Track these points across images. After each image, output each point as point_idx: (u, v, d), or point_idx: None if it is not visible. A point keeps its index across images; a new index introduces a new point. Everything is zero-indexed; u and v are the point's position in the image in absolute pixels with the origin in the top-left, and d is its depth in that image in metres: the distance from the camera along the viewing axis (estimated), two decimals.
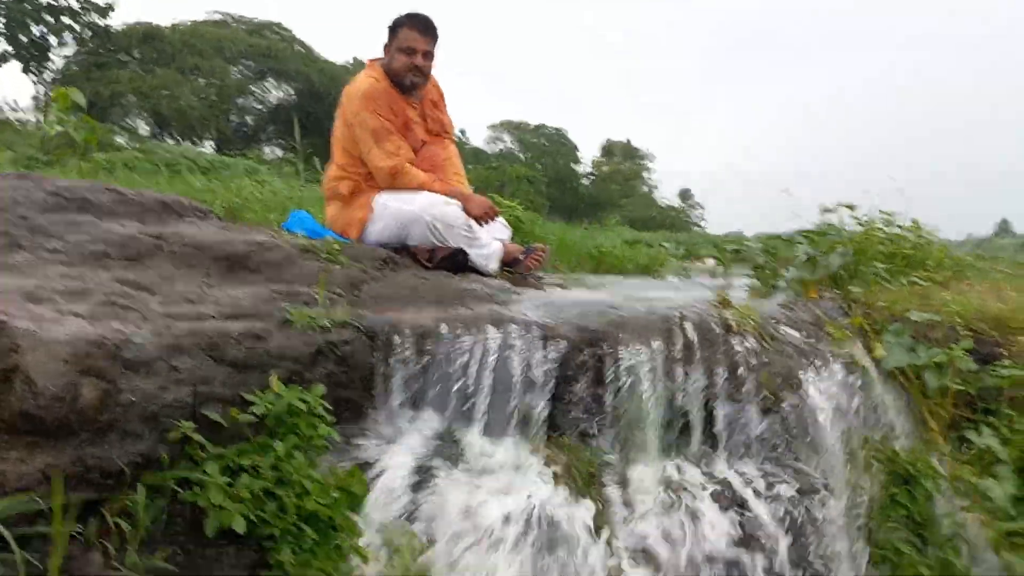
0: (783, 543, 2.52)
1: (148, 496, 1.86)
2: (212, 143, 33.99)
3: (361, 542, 2.09)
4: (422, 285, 3.28)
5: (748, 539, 2.48)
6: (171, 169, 10.04)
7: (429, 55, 4.21)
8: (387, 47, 4.22)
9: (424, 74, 4.22)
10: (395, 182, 4.03)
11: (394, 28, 4.19)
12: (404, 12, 4.21)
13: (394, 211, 3.98)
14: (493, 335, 2.73)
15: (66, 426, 1.76)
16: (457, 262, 3.89)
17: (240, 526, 1.86)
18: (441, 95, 4.53)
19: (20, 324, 1.84)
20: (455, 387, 2.61)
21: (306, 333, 2.40)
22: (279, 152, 31.70)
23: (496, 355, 2.68)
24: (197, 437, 1.93)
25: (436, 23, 4.24)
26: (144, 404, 1.91)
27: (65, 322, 2.02)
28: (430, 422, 2.56)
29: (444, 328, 2.74)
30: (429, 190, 4.05)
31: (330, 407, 2.26)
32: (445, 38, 4.31)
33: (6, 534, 1.61)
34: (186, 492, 1.90)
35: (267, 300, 2.65)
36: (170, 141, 29.81)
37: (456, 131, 4.80)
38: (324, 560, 1.97)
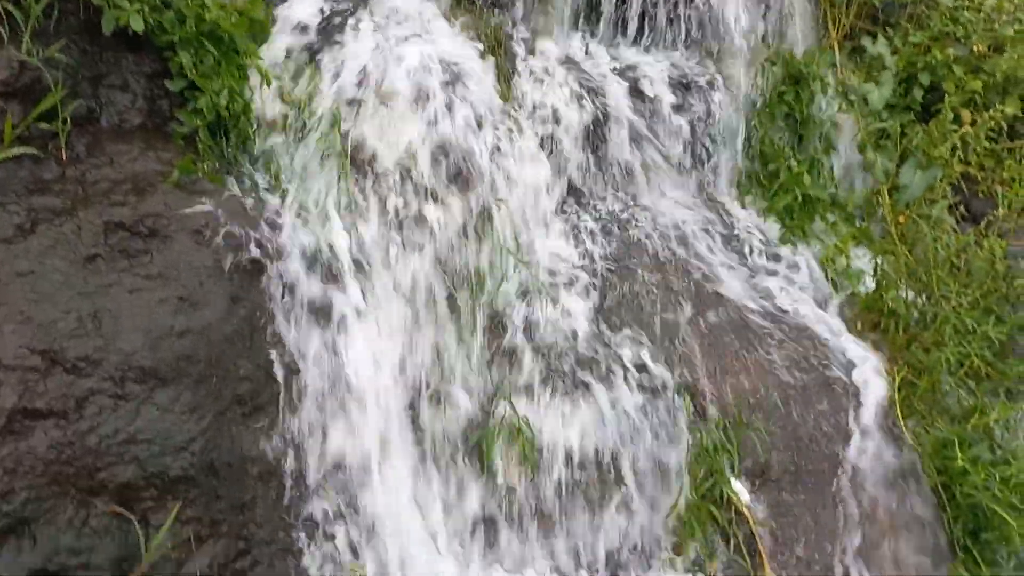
0: (672, 114, 2.69)
1: None
2: None
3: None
4: None
5: (641, 108, 2.63)
6: None
7: None
8: None
9: None
10: None
11: None
12: None
13: None
14: None
15: None
16: None
17: (138, 25, 1.82)
18: None
19: None
20: None
21: None
22: None
23: None
24: None
25: None
26: None
27: None
28: None
29: None
30: None
31: None
32: None
33: None
34: None
35: None
36: None
37: None
38: (227, 77, 1.99)
